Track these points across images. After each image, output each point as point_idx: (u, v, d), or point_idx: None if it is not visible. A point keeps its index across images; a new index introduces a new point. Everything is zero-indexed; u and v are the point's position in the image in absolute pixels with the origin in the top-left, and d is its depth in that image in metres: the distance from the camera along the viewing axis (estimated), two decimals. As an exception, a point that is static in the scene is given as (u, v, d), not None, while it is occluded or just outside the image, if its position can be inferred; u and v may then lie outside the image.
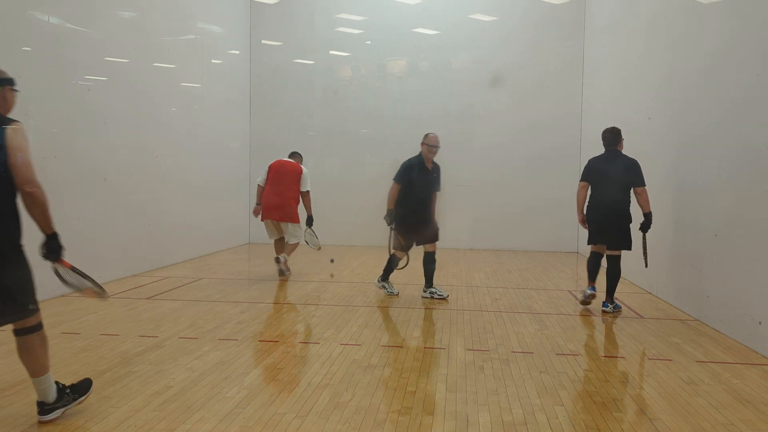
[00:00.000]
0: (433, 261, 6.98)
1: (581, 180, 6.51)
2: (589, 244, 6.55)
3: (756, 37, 5.07)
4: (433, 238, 6.95)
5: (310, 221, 8.34)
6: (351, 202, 12.30)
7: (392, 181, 6.93)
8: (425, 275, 7.04)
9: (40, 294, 3.45)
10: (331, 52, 12.53)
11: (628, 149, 8.27)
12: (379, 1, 12.32)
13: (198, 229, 10.17)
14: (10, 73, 3.59)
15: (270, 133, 12.50)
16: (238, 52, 12.13)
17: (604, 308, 6.32)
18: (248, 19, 12.49)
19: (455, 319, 6.00)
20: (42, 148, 6.55)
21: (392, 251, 7.01)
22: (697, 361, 4.70)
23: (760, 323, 4.86)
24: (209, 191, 10.65)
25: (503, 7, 12.05)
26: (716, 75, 5.81)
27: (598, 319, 6.11)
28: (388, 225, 6.90)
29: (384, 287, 7.17)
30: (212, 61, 10.95)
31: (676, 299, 6.61)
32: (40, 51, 6.47)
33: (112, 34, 7.80)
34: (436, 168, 7.00)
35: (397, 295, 7.08)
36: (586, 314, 6.35)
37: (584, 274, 9.04)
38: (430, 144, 6.84)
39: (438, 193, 7.07)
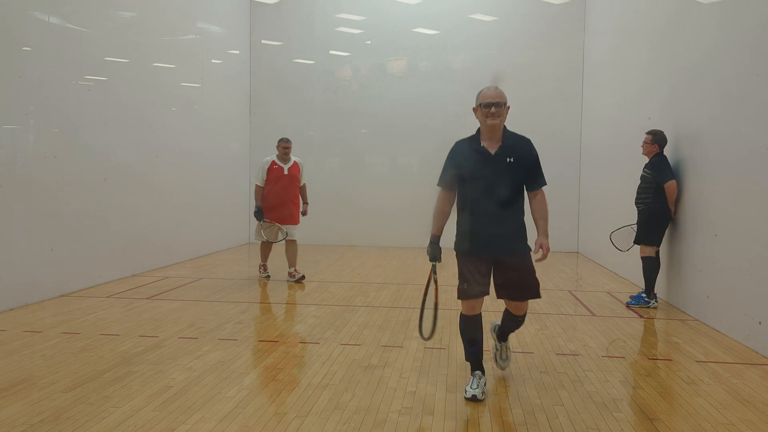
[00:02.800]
0: (518, 324, 4.18)
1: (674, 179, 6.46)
2: (658, 246, 6.57)
3: (755, 37, 5.07)
4: (523, 291, 3.94)
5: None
6: (351, 202, 12.31)
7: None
8: (501, 326, 4.36)
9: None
10: (331, 52, 12.53)
11: (628, 149, 8.30)
12: (379, 1, 12.32)
13: (198, 229, 10.18)
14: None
15: (270, 132, 12.47)
16: (238, 52, 12.13)
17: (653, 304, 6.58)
18: (248, 19, 12.50)
19: (455, 319, 5.98)
20: (42, 148, 6.56)
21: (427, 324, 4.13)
22: (697, 361, 4.70)
23: (760, 323, 4.86)
24: (209, 191, 10.65)
25: (503, 7, 12.05)
26: (716, 75, 5.81)
27: (597, 319, 6.11)
28: (431, 261, 4.03)
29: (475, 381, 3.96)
30: (212, 61, 10.95)
31: (676, 299, 6.61)
32: (40, 51, 6.47)
33: (112, 34, 7.80)
34: (514, 145, 3.87)
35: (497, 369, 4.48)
36: (585, 314, 6.35)
37: (585, 274, 9.11)
38: (483, 103, 3.81)
39: (542, 192, 3.97)
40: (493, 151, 3.86)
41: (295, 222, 8.04)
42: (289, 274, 8.05)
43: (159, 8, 8.97)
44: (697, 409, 3.72)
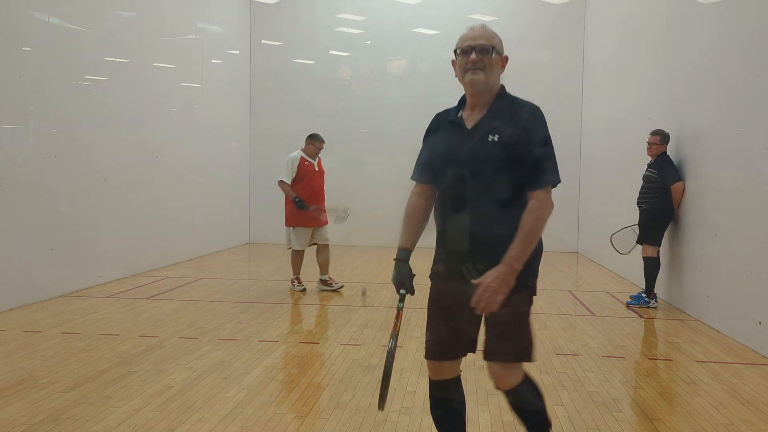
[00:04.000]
0: (519, 405, 2.47)
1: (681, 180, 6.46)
2: (659, 245, 6.56)
3: (755, 37, 5.07)
4: (501, 345, 2.43)
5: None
6: (351, 202, 12.26)
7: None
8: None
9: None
10: (331, 52, 12.53)
11: (628, 149, 8.30)
12: (379, 1, 12.32)
13: (198, 229, 10.17)
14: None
15: (270, 133, 12.50)
16: (238, 52, 12.13)
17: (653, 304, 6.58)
18: (248, 19, 12.49)
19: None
20: (42, 148, 6.56)
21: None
22: (697, 361, 4.70)
23: (760, 323, 4.86)
24: (209, 191, 10.65)
25: (503, 7, 12.05)
26: (716, 74, 5.81)
27: (597, 319, 6.11)
28: (399, 291, 2.52)
29: None
30: (212, 61, 10.94)
31: (676, 299, 6.61)
32: (40, 51, 6.47)
33: (112, 33, 7.80)
34: (505, 115, 2.52)
35: None
36: (585, 314, 6.35)
37: (585, 275, 9.11)
38: (461, 48, 2.47)
39: (537, 195, 2.64)
40: (470, 124, 2.46)
41: (327, 221, 7.43)
42: (324, 282, 7.34)
43: (159, 8, 8.97)
44: (697, 409, 3.72)
